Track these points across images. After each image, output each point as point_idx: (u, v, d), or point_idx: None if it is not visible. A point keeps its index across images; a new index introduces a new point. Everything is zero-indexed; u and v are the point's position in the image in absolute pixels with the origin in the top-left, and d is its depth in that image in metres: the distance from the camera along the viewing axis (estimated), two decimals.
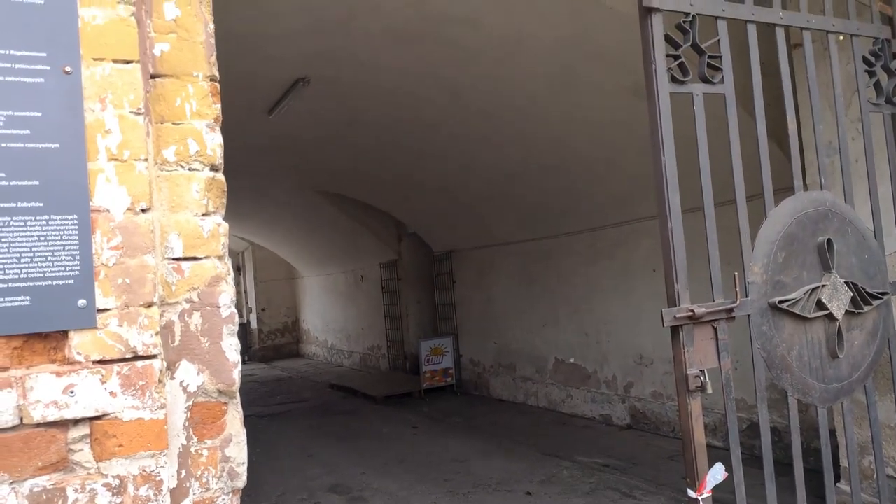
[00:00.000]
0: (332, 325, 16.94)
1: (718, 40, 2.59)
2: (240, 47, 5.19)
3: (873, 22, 2.98)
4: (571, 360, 8.63)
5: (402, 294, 12.90)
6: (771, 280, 2.55)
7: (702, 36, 2.53)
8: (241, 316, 19.79)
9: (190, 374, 1.59)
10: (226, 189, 1.67)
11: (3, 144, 1.36)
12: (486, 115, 6.77)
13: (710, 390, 2.44)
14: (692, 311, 2.40)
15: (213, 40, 1.64)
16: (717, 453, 2.76)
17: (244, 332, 18.80)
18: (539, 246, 9.08)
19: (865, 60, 2.93)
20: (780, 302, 2.53)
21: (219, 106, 1.65)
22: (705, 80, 2.56)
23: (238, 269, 20.14)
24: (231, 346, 1.64)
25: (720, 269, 2.50)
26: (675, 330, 2.43)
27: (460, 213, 10.08)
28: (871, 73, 2.95)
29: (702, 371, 2.46)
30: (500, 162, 7.88)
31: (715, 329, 2.48)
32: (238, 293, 20.10)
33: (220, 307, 1.63)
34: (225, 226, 1.66)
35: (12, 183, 1.36)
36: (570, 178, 7.54)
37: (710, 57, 2.55)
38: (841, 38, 2.85)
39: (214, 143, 1.64)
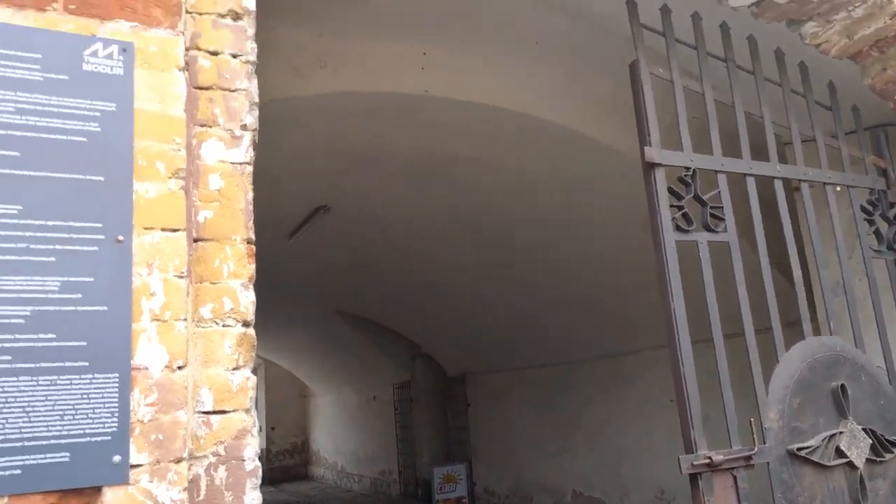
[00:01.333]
0: (342, 447, 16.54)
1: (719, 192, 2.74)
2: (265, 180, 5.47)
3: (867, 174, 3.14)
4: (590, 493, 8.34)
5: (415, 416, 12.67)
6: (787, 426, 2.55)
7: (703, 186, 2.69)
8: None
9: None
10: (255, 343, 1.76)
11: (57, 308, 1.47)
12: (500, 246, 6.98)
13: None
14: (710, 458, 2.39)
15: (251, 207, 1.78)
16: None
17: None
18: (556, 372, 9.02)
19: (864, 209, 3.06)
20: (799, 449, 2.51)
21: (253, 266, 1.77)
22: (708, 229, 2.68)
23: None
24: (253, 500, 1.67)
25: (734, 405, 2.51)
26: (693, 477, 2.41)
27: (475, 336, 10.11)
28: (871, 222, 3.07)
29: None
30: (513, 289, 8.01)
31: (735, 477, 2.46)
32: None
33: (244, 460, 1.67)
34: (253, 379, 1.73)
35: (62, 344, 1.46)
36: (585, 306, 7.63)
37: (711, 207, 2.69)
38: (838, 188, 3.00)
39: (248, 301, 1.75)
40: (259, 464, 1.70)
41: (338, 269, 8.83)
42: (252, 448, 1.69)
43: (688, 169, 2.64)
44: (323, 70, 4.03)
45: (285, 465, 18.71)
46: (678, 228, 2.57)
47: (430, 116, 4.63)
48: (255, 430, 1.72)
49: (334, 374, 15.95)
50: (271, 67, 3.48)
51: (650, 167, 2.57)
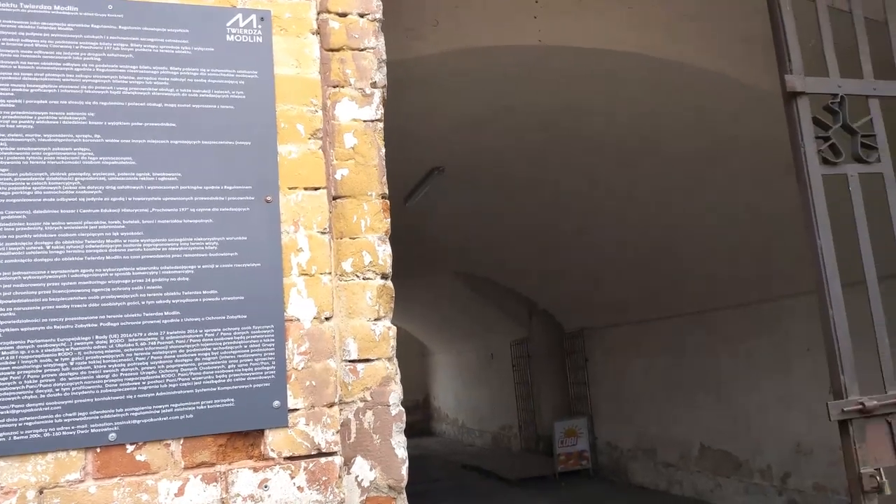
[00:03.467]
0: (462, 403, 16.96)
1: (871, 119, 2.52)
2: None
3: None
4: (719, 447, 8.11)
5: (534, 373, 12.76)
6: None
7: (852, 115, 2.48)
8: None
9: (364, 469, 1.71)
10: (394, 295, 1.82)
11: (217, 266, 1.58)
12: (620, 198, 6.79)
13: (888, 491, 2.26)
14: (862, 404, 2.26)
15: (384, 162, 1.83)
16: None
17: None
18: (678, 324, 8.76)
19: None
20: None
21: (389, 220, 1.82)
22: (860, 160, 2.49)
23: None
24: (399, 444, 1.75)
25: (889, 355, 2.35)
26: (843, 424, 2.29)
27: (592, 290, 9.97)
28: None
29: (877, 470, 2.28)
30: (634, 241, 7.80)
31: (889, 423, 2.31)
32: None
33: (390, 406, 1.75)
34: (393, 329, 1.80)
35: (223, 299, 1.58)
36: (710, 255, 7.31)
37: (863, 136, 2.49)
38: None
39: (385, 254, 1.81)
40: (403, 409, 1.77)
41: (454, 229, 8.93)
42: (396, 394, 1.76)
43: (835, 96, 2.44)
44: (436, 29, 4.03)
45: (408, 422, 19.09)
46: (825, 161, 2.40)
47: (545, 68, 4.52)
48: (398, 378, 1.79)
49: (452, 333, 16.30)
50: (385, 29, 3.52)
51: (792, 97, 2.40)
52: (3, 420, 1.41)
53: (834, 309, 2.31)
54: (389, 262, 1.82)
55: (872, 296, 2.36)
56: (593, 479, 10.38)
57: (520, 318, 12.82)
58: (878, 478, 2.26)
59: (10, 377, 1.42)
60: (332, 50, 1.80)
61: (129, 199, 1.54)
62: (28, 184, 1.49)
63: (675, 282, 8.27)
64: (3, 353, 1.43)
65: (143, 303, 1.51)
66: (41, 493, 1.42)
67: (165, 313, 1.53)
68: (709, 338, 8.21)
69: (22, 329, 1.44)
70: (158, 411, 1.50)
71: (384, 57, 1.85)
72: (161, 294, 1.53)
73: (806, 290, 6.41)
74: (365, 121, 1.82)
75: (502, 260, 10.30)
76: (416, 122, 5.38)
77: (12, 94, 1.53)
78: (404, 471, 1.74)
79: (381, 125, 1.84)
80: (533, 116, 5.28)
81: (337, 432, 1.63)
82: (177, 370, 1.52)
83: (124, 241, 1.52)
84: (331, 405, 1.63)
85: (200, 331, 1.55)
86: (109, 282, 1.50)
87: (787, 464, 7.12)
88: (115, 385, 1.48)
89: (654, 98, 4.83)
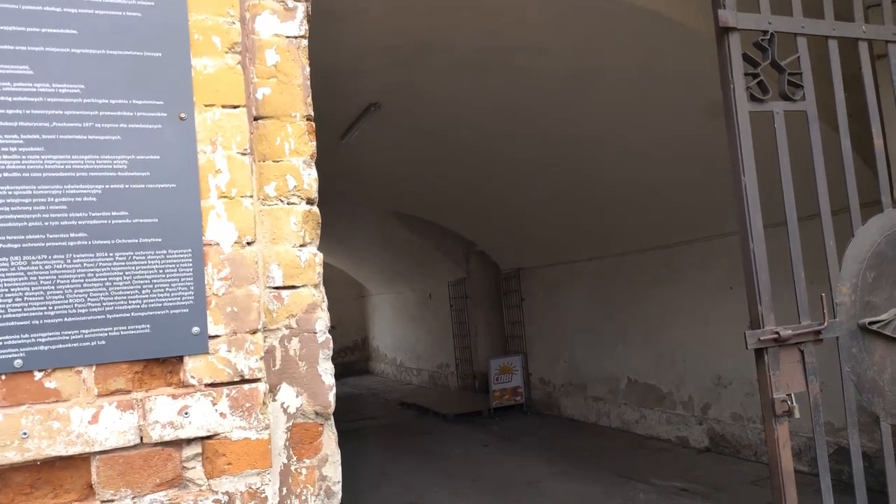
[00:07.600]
0: (401, 343, 17.12)
1: (798, 57, 2.56)
2: (314, 79, 5.40)
3: None
4: (645, 381, 8.47)
5: (471, 312, 12.94)
6: (860, 301, 2.48)
7: (781, 52, 2.51)
8: None
9: (290, 396, 1.69)
10: (320, 221, 1.77)
11: (127, 186, 1.49)
12: (554, 138, 6.79)
13: (797, 415, 2.39)
14: (777, 333, 2.36)
15: (308, 82, 1.75)
16: (803, 478, 2.69)
17: None
18: (609, 264, 8.98)
19: None
20: (871, 323, 2.45)
21: (314, 143, 1.76)
22: (786, 98, 2.54)
23: None
24: (326, 370, 1.73)
25: (805, 287, 2.45)
26: (759, 353, 2.39)
27: (528, 231, 10.09)
28: None
29: (789, 395, 2.41)
30: (568, 182, 7.87)
31: (802, 352, 2.43)
32: None
33: (316, 333, 1.72)
34: (320, 256, 1.75)
35: (135, 221, 1.49)
36: (640, 196, 7.46)
37: (790, 74, 2.53)
38: None
39: (311, 178, 1.74)
40: (330, 337, 1.75)
41: (391, 168, 8.81)
42: (323, 321, 1.73)
43: (765, 32, 2.46)
44: None
45: (347, 362, 19.55)
46: (752, 98, 2.43)
47: (484, 4, 4.41)
48: (325, 305, 1.75)
49: (390, 273, 16.29)
50: None
51: (724, 32, 2.41)
52: None
53: (754, 242, 2.39)
54: (315, 186, 1.76)
55: (791, 227, 2.44)
56: (526, 414, 10.72)
57: (457, 259, 12.90)
58: (789, 402, 2.38)
59: None
60: None
61: (27, 111, 1.42)
62: None
63: (605, 223, 8.43)
64: None
65: (46, 223, 1.42)
66: None
67: (71, 235, 1.44)
68: (638, 278, 8.45)
69: None
70: (67, 337, 1.43)
71: None
72: (66, 214, 1.44)
73: (729, 232, 6.68)
74: (288, 37, 1.73)
75: (440, 200, 10.27)
76: (352, 56, 5.20)
77: None
78: (331, 397, 1.72)
79: (305, 42, 1.75)
80: (472, 54, 5.18)
81: (261, 359, 1.59)
82: (86, 295, 1.45)
83: (23, 156, 1.41)
84: (254, 331, 1.59)
85: (111, 254, 1.47)
86: (8, 200, 1.40)
87: (708, 395, 7.51)
88: (20, 310, 1.40)
89: (588, 34, 4.80)
